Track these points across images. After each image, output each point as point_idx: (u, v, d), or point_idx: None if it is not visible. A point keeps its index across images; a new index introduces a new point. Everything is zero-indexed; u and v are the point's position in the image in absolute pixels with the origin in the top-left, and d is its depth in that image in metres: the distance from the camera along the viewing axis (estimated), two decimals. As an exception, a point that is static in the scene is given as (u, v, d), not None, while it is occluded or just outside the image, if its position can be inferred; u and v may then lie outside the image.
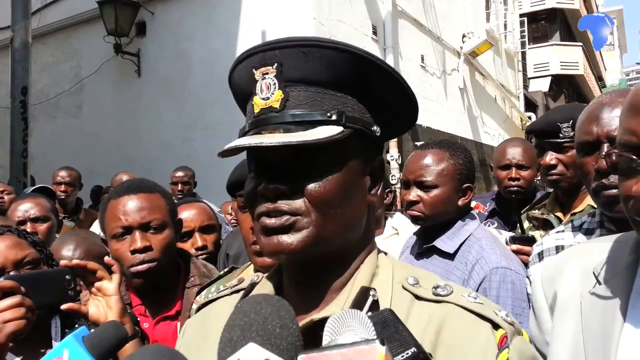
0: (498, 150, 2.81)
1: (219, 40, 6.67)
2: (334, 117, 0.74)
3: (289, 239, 0.73)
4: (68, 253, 1.83)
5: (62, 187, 4.12)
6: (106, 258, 1.37)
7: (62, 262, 1.30)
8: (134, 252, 1.53)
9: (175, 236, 1.66)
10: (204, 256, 2.20)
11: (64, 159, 6.07)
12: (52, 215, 2.72)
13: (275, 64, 0.74)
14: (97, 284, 1.29)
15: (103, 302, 1.28)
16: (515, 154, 2.62)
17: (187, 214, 2.23)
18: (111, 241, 1.58)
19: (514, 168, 2.59)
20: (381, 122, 0.81)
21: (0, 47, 8.49)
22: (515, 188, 2.59)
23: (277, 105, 0.74)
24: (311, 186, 0.73)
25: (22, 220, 2.59)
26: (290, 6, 6.19)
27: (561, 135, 1.85)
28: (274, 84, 0.74)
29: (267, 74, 0.75)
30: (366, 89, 0.78)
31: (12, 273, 1.34)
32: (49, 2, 8.14)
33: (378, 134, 0.80)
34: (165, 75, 7.16)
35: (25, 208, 2.66)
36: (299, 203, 0.73)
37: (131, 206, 1.56)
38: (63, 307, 1.24)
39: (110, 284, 1.28)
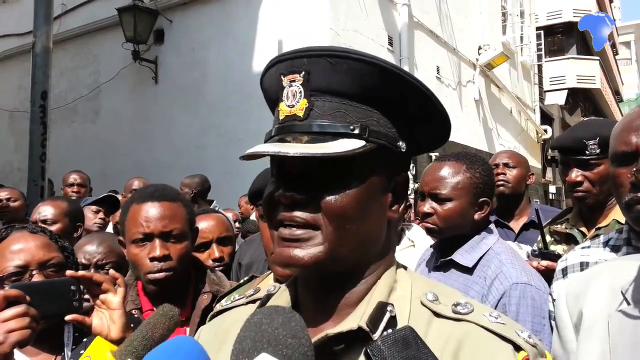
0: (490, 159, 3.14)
1: (235, 49, 6.72)
2: (356, 131, 0.73)
3: (301, 252, 0.72)
4: (92, 247, 1.91)
5: (75, 188, 4.21)
6: (111, 271, 1.36)
7: (68, 273, 1.28)
8: (152, 259, 1.54)
9: (192, 245, 1.67)
10: (220, 268, 2.20)
11: (80, 163, 6.13)
12: (65, 219, 2.78)
13: (303, 72, 0.74)
14: (102, 296, 1.28)
15: (107, 315, 1.26)
16: (503, 156, 3.05)
17: (206, 225, 2.23)
18: (130, 245, 1.59)
19: (501, 165, 2.93)
20: (409, 137, 0.79)
21: (20, 52, 8.66)
22: (502, 182, 2.86)
23: (301, 113, 0.74)
24: (328, 199, 0.72)
25: (34, 221, 2.69)
26: (306, 16, 6.22)
27: (587, 152, 1.81)
28: (300, 92, 0.74)
29: (294, 81, 0.74)
30: (393, 103, 0.76)
31: (35, 272, 1.36)
32: (69, 9, 8.28)
33: (403, 150, 0.78)
34: (181, 83, 7.23)
35: (40, 210, 2.81)
36: (314, 215, 0.72)
37: (153, 213, 1.57)
38: (67, 318, 1.24)
39: (114, 298, 1.27)
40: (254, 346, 0.62)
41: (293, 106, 0.74)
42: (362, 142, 0.72)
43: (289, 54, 0.76)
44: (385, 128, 0.76)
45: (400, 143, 0.77)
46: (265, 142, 0.77)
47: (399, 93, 0.76)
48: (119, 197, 3.97)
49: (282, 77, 0.76)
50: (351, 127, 0.72)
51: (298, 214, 0.72)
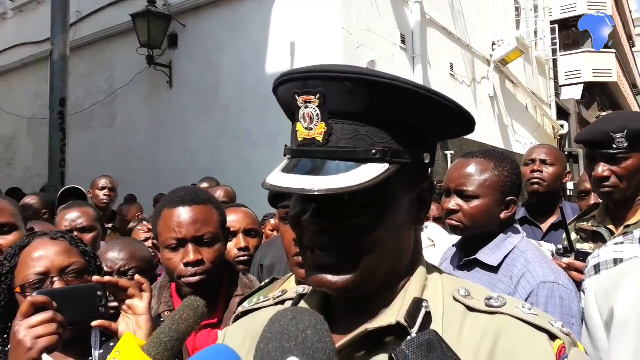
0: (526, 153, 2.98)
1: (249, 51, 6.75)
2: (378, 155, 0.71)
3: (333, 278, 0.73)
4: (114, 254, 1.90)
5: (107, 192, 4.25)
6: (137, 276, 1.36)
7: (94, 278, 1.29)
8: (186, 264, 1.55)
9: (225, 247, 1.67)
10: (245, 257, 2.32)
11: (97, 168, 6.21)
12: (98, 225, 2.76)
13: (318, 95, 0.70)
14: (128, 301, 1.28)
15: (133, 321, 1.26)
16: (540, 152, 2.86)
17: (234, 217, 2.35)
18: (164, 250, 1.60)
19: (538, 162, 2.78)
20: (432, 146, 0.78)
21: (37, 60, 8.81)
22: (537, 179, 2.73)
23: (320, 138, 0.71)
24: (356, 224, 0.72)
25: (69, 230, 2.60)
26: (318, 17, 6.22)
27: (615, 146, 1.75)
28: (317, 115, 0.71)
29: (309, 102, 0.71)
30: (415, 121, 0.75)
31: (56, 279, 1.36)
32: (84, 16, 8.39)
33: (428, 161, 0.77)
34: (195, 86, 7.28)
35: (73, 217, 2.69)
36: (344, 241, 0.72)
37: (185, 218, 1.56)
38: (94, 324, 1.24)
39: (140, 303, 1.27)
40: (281, 347, 0.62)
41: (311, 129, 0.71)
42: (385, 166, 0.71)
43: (301, 72, 0.72)
44: (408, 146, 0.74)
45: (425, 155, 0.77)
46: (285, 155, 0.77)
47: (420, 111, 0.74)
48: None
49: (296, 96, 0.72)
50: (373, 152, 0.70)
51: (327, 241, 0.72)
